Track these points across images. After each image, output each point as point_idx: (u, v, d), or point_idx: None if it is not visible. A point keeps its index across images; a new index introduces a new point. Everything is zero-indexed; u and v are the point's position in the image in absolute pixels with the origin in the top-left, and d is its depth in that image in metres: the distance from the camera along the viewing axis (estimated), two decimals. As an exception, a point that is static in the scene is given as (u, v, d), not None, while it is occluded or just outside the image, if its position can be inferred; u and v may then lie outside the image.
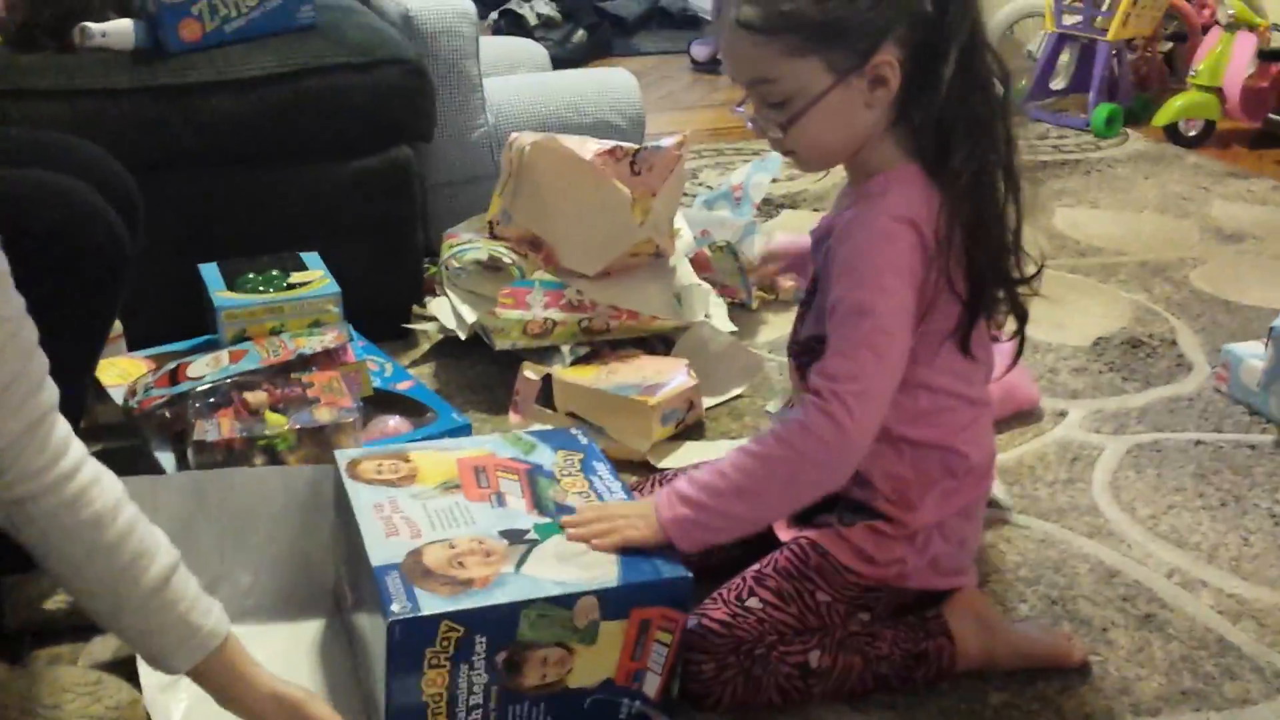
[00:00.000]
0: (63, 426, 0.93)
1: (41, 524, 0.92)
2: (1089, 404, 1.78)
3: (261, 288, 1.59)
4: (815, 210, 2.55)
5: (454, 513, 1.12)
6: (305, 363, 1.45)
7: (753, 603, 1.15)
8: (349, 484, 1.14)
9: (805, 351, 1.18)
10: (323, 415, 1.33)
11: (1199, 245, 2.44)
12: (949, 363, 1.17)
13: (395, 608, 0.99)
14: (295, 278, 1.61)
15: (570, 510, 1.14)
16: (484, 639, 1.01)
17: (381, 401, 1.52)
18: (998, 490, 1.53)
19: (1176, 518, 1.51)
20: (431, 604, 0.99)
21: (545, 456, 1.22)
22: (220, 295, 1.56)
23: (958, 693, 1.20)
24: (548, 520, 1.12)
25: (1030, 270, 1.18)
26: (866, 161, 1.14)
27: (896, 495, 1.18)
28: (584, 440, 1.27)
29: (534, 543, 1.08)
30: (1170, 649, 1.27)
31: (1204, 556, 1.43)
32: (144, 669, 1.13)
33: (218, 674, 1.00)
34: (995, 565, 1.40)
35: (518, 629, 1.02)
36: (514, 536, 1.09)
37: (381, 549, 1.05)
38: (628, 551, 1.08)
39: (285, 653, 1.18)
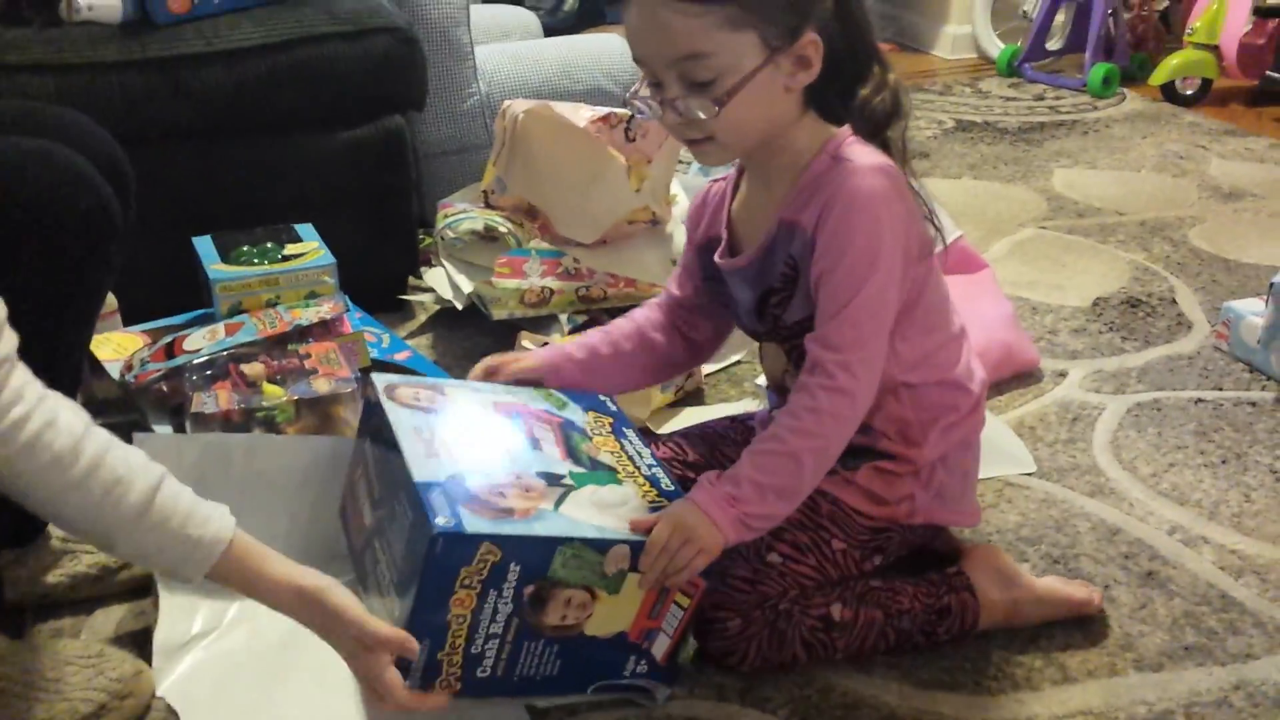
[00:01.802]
0: (17, 376, 0.92)
1: (13, 467, 0.91)
2: (1089, 364, 1.78)
3: (256, 260, 1.58)
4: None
5: (489, 449, 1.10)
6: (302, 334, 1.44)
7: (773, 558, 1.16)
8: (388, 405, 1.11)
9: (796, 334, 1.16)
10: (321, 386, 1.32)
11: (1197, 204, 2.43)
12: (932, 301, 1.18)
13: (440, 521, 0.97)
14: (290, 249, 1.60)
15: (604, 467, 1.13)
16: (518, 568, 1.00)
17: (379, 372, 1.51)
18: (1019, 452, 1.54)
19: (1178, 475, 1.51)
20: (475, 524, 0.98)
21: (576, 415, 1.21)
22: (215, 268, 1.55)
23: (960, 651, 1.20)
24: (583, 470, 1.12)
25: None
26: (793, 146, 1.12)
27: (900, 435, 1.19)
28: (613, 406, 1.26)
29: (570, 487, 1.08)
30: (1173, 605, 1.27)
31: (1205, 514, 1.43)
32: (160, 628, 1.16)
33: (233, 576, 1.00)
34: (997, 526, 1.40)
35: (551, 565, 1.02)
36: (551, 479, 1.08)
37: (423, 467, 1.03)
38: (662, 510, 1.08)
39: None
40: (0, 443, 0.90)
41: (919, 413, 1.18)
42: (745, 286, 1.20)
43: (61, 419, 0.93)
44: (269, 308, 1.51)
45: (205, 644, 1.19)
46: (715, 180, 1.27)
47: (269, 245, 1.61)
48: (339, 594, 1.01)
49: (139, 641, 1.22)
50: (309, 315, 1.46)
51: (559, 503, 1.05)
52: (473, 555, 0.98)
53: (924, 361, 1.18)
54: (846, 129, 1.12)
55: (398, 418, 1.10)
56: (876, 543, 1.20)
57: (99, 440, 0.95)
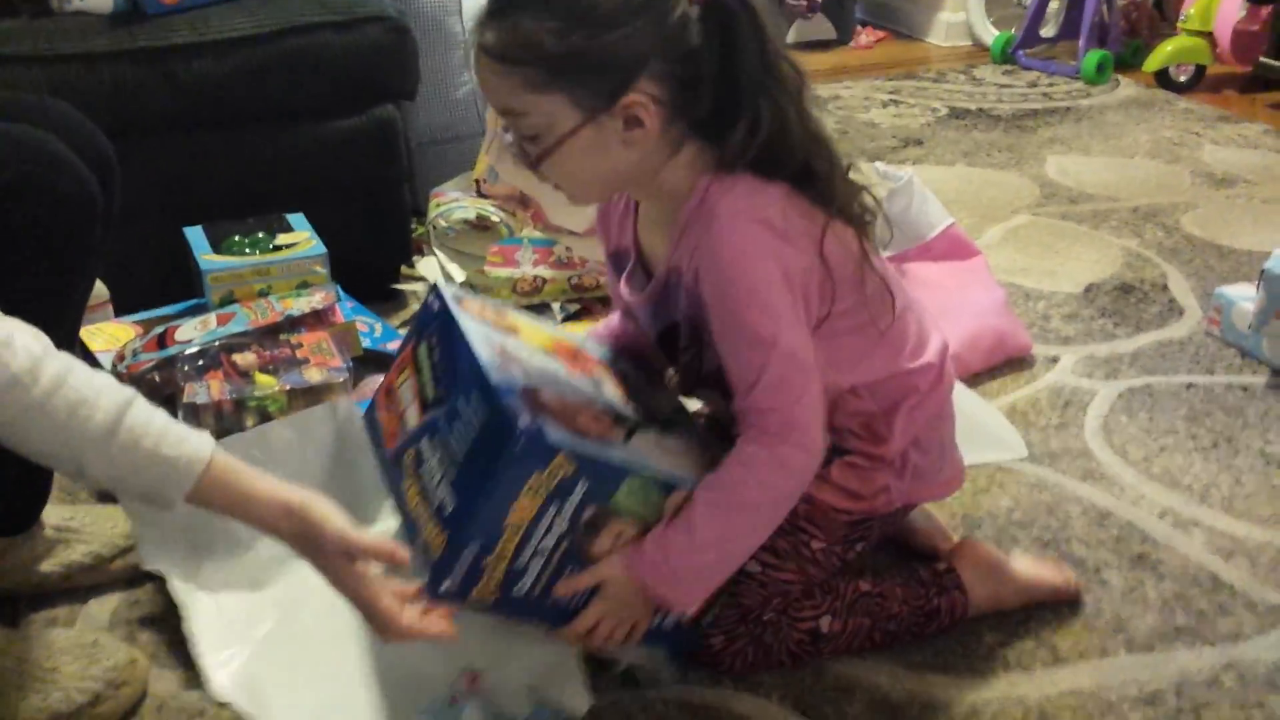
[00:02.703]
0: None
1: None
2: (1081, 350, 1.78)
3: (248, 250, 1.58)
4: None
5: (558, 376, 1.09)
6: (293, 324, 1.44)
7: (752, 566, 1.13)
8: (458, 311, 1.09)
9: (719, 381, 1.10)
10: (313, 375, 1.33)
11: (1190, 190, 2.43)
12: (860, 301, 1.09)
13: (524, 421, 0.94)
14: (281, 239, 1.60)
15: (663, 414, 1.13)
16: (584, 488, 0.98)
17: (372, 362, 1.51)
18: (1011, 438, 1.54)
19: (1169, 459, 1.51)
20: (555, 433, 0.96)
21: (629, 369, 1.21)
22: (206, 258, 1.55)
23: (953, 634, 1.20)
24: (642, 416, 1.11)
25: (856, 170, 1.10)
26: (669, 186, 1.05)
27: (865, 430, 1.15)
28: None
29: (639, 424, 1.07)
30: (1163, 588, 1.28)
31: (1196, 497, 1.44)
32: (196, 630, 1.14)
33: (216, 498, 0.96)
34: (988, 510, 1.40)
35: (616, 492, 1.01)
36: (617, 416, 1.07)
37: (497, 372, 1.00)
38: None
39: None
40: None
41: (879, 403, 1.13)
42: (649, 318, 1.15)
43: (18, 340, 0.90)
44: (261, 298, 1.51)
45: (251, 635, 1.18)
46: None
47: (260, 235, 1.61)
48: (322, 506, 0.98)
49: (133, 630, 1.22)
50: (301, 305, 1.46)
51: (627, 437, 1.05)
52: (547, 463, 0.96)
53: (864, 360, 1.12)
54: (714, 171, 1.03)
55: (468, 325, 1.07)
56: (857, 535, 1.17)
57: (60, 361, 0.91)
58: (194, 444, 0.95)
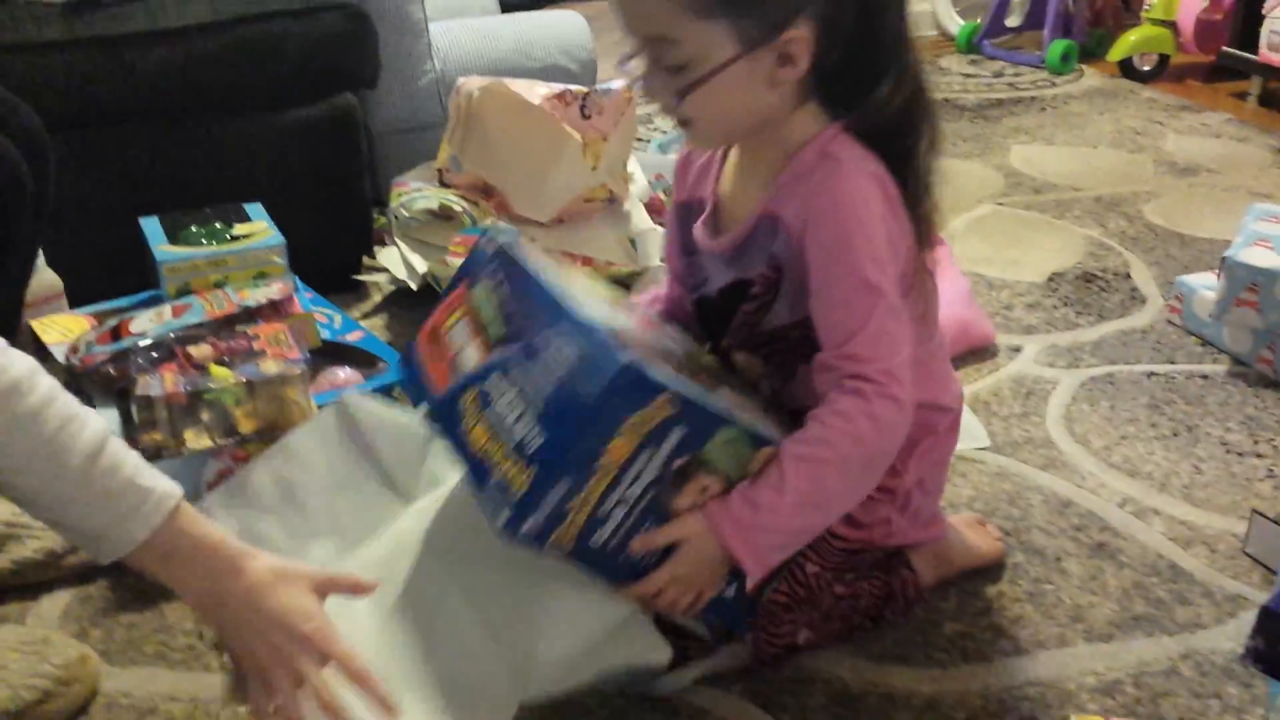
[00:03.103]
0: None
1: None
2: (1043, 339, 1.79)
3: (204, 241, 1.55)
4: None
5: (628, 324, 1.06)
6: (250, 315, 1.42)
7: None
8: (525, 252, 1.06)
9: (773, 341, 1.10)
10: (269, 367, 1.31)
11: (1153, 179, 2.44)
12: (912, 314, 1.09)
13: (626, 356, 0.90)
14: (238, 230, 1.58)
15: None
16: (680, 434, 0.95)
17: (331, 353, 1.49)
18: (975, 428, 1.54)
19: (1129, 448, 1.52)
20: (658, 371, 0.93)
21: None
22: (162, 249, 1.53)
23: (912, 624, 1.20)
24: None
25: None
26: (784, 137, 1.05)
27: None
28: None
29: (719, 377, 1.05)
30: (1122, 576, 1.28)
31: (1156, 485, 1.44)
32: None
33: (180, 540, 0.91)
34: (950, 499, 1.40)
35: (709, 442, 0.97)
36: (695, 369, 1.04)
37: (582, 312, 0.96)
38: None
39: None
40: None
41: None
42: (720, 269, 1.14)
43: (14, 353, 0.89)
44: (217, 289, 1.49)
45: None
46: None
47: (217, 225, 1.59)
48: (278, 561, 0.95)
49: (85, 627, 1.20)
50: (257, 296, 1.44)
51: (712, 389, 1.01)
52: (648, 402, 0.92)
53: (914, 376, 1.09)
54: (839, 125, 1.05)
55: (539, 265, 1.04)
56: (850, 564, 1.15)
57: (50, 378, 0.90)
58: (167, 483, 0.93)
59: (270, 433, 1.26)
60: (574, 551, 0.97)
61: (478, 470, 0.99)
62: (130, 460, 0.92)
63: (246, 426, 1.28)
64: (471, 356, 1.05)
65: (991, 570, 1.29)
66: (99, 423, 0.91)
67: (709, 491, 1.00)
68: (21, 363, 0.88)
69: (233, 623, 0.93)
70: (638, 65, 1.02)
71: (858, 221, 1.01)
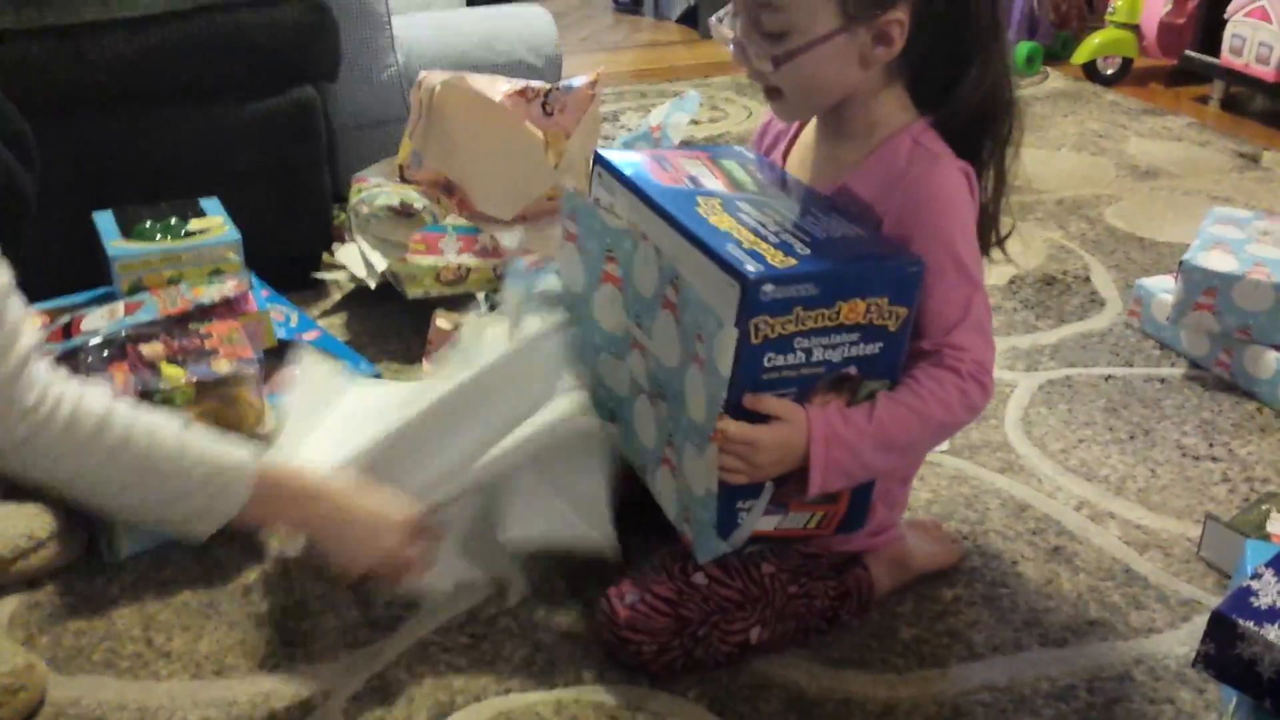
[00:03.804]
0: (42, 362, 0.95)
1: (54, 452, 0.93)
2: (1003, 342, 1.79)
3: (159, 235, 1.53)
4: (736, 151, 2.53)
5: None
6: (204, 313, 1.40)
7: (699, 578, 1.12)
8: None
9: None
10: (221, 367, 1.28)
11: (1115, 182, 2.46)
12: None
13: (916, 264, 0.98)
14: (194, 225, 1.55)
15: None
16: (875, 350, 1.00)
17: (286, 352, 1.47)
18: None
19: (1086, 451, 1.53)
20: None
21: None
22: (114, 245, 1.50)
23: (868, 628, 1.20)
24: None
25: (1004, 231, 1.15)
26: (870, 115, 1.08)
27: None
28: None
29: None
30: (1078, 580, 1.29)
31: (1112, 489, 1.45)
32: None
33: (261, 498, 1.01)
34: (908, 502, 1.40)
35: (875, 381, 1.02)
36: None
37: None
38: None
39: None
40: (50, 420, 0.92)
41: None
42: None
43: (87, 389, 0.97)
44: (171, 285, 1.46)
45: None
46: None
47: (173, 220, 1.56)
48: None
49: (33, 634, 1.18)
50: (211, 293, 1.42)
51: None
52: (897, 301, 0.99)
53: None
54: (928, 119, 1.08)
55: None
56: (806, 568, 1.16)
57: (124, 403, 0.98)
58: (241, 452, 1.02)
59: (221, 432, 1.24)
60: (760, 346, 0.96)
61: (713, 232, 1.00)
62: (206, 445, 1.00)
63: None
64: (716, 185, 1.10)
65: (948, 574, 1.29)
66: (166, 419, 0.99)
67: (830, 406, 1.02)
68: (98, 399, 0.96)
69: (327, 538, 1.07)
70: (735, 27, 1.05)
71: (956, 216, 1.05)
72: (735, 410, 0.98)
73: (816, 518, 1.09)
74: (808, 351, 0.98)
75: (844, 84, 1.05)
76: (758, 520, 1.05)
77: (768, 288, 0.93)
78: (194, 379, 1.27)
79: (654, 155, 1.16)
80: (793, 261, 0.95)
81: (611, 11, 3.98)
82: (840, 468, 1.02)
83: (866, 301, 0.97)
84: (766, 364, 0.97)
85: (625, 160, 1.15)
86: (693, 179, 1.11)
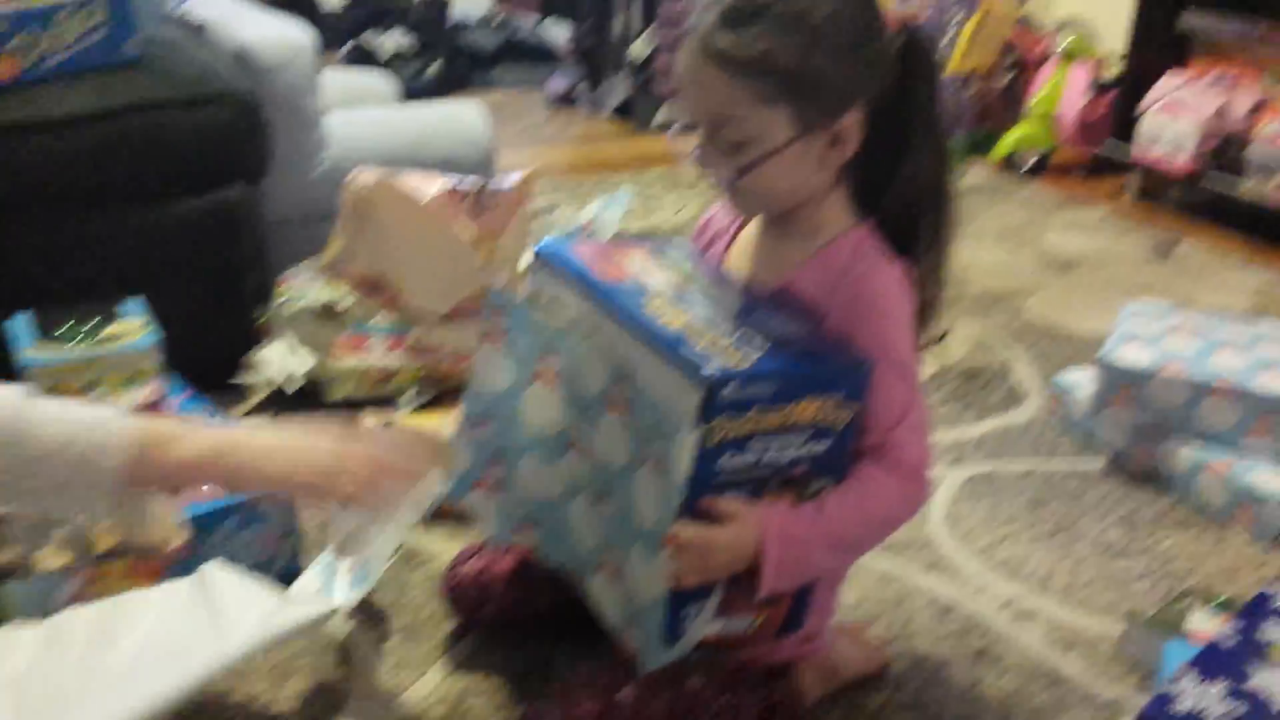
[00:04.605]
0: None
1: None
2: (929, 436, 1.81)
3: (78, 339, 1.50)
4: (668, 244, 2.55)
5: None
6: (121, 420, 1.37)
7: (624, 694, 1.10)
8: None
9: None
10: (135, 478, 1.26)
11: (1034, 275, 2.52)
12: None
13: (865, 367, 1.00)
14: (113, 328, 1.53)
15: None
16: (824, 448, 1.01)
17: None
18: None
19: (1010, 548, 1.54)
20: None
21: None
22: (28, 353, 1.47)
23: (795, 739, 1.19)
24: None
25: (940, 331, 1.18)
26: (816, 216, 1.10)
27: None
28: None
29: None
30: (1003, 684, 1.29)
31: (1036, 587, 1.46)
32: None
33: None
34: (836, 607, 1.40)
35: (823, 478, 1.03)
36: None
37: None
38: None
39: None
40: None
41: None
42: None
43: None
44: (87, 392, 1.44)
45: None
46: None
47: (92, 323, 1.54)
48: None
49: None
50: (128, 400, 1.40)
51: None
52: (849, 403, 1.01)
53: None
54: (870, 223, 1.10)
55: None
56: (735, 679, 1.15)
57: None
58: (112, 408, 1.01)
59: (130, 549, 1.21)
60: (717, 448, 0.96)
61: (666, 331, 0.99)
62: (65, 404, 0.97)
63: (104, 544, 1.22)
64: (659, 278, 1.10)
65: (876, 679, 1.29)
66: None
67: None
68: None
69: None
70: (696, 137, 1.07)
71: (896, 318, 1.07)
72: (690, 512, 0.98)
73: (759, 621, 1.08)
74: (762, 451, 0.98)
75: (801, 186, 1.08)
76: (706, 625, 1.04)
77: (728, 389, 0.93)
78: (107, 491, 1.24)
79: (597, 249, 1.16)
80: (750, 362, 0.96)
81: (546, 105, 4.04)
82: (791, 566, 1.02)
83: (819, 401, 0.98)
84: (722, 466, 0.97)
85: (568, 254, 1.14)
86: (638, 274, 1.11)
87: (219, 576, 1.18)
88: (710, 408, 0.93)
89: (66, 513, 0.98)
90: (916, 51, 1.06)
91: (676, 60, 1.05)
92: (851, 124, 1.04)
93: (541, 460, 1.17)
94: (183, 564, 1.28)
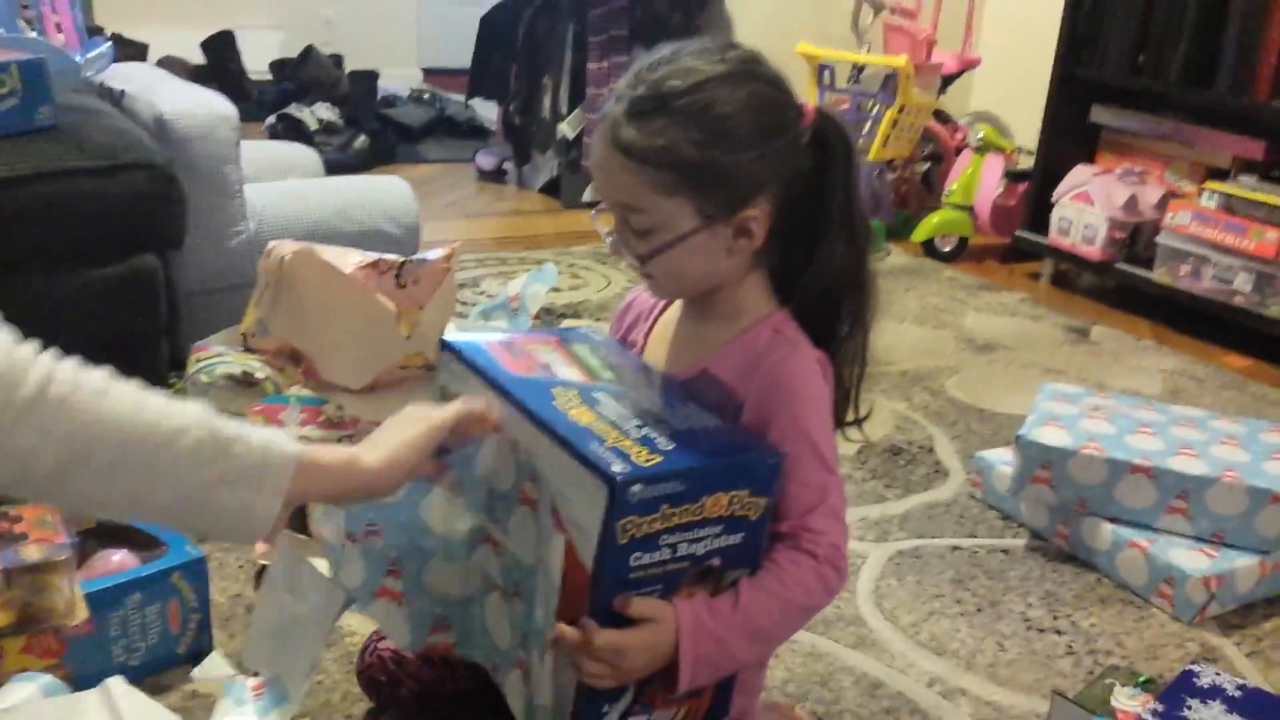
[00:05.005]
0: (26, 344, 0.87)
1: (59, 429, 0.84)
2: (854, 512, 1.81)
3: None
4: (597, 319, 2.55)
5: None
6: (18, 492, 1.31)
7: None
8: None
9: None
10: (31, 553, 1.19)
11: (955, 355, 2.56)
12: None
13: (774, 458, 0.99)
14: (15, 397, 1.47)
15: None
16: (739, 540, 0.99)
17: (108, 533, 1.38)
18: None
19: (936, 625, 1.53)
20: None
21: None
22: (-77, 418, 1.40)
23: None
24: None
25: (864, 411, 1.17)
26: (734, 300, 1.11)
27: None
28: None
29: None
30: (930, 763, 1.27)
31: (962, 664, 1.45)
32: None
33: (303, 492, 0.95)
34: (764, 684, 1.37)
35: (739, 569, 1.01)
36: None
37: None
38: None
39: None
40: (40, 394, 0.84)
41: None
42: None
43: (79, 363, 0.90)
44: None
45: None
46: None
47: (-7, 392, 1.47)
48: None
49: None
50: (28, 471, 1.33)
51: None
52: (761, 495, 0.99)
53: None
54: (788, 310, 1.10)
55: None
56: None
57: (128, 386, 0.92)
58: (278, 450, 0.95)
59: (28, 625, 1.15)
60: (627, 546, 0.94)
61: (574, 429, 0.98)
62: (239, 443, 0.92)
63: (3, 619, 1.16)
64: (571, 374, 1.09)
65: (803, 759, 1.26)
66: (189, 408, 0.92)
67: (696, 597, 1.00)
68: (95, 371, 0.90)
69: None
70: (605, 220, 1.08)
71: (813, 404, 1.06)
72: (603, 614, 0.96)
73: (681, 713, 1.05)
74: (674, 547, 0.96)
75: (712, 273, 1.08)
76: None
77: (635, 488, 0.91)
78: (2, 566, 1.18)
79: (504, 341, 1.15)
80: (658, 459, 0.94)
81: (475, 180, 4.05)
82: (709, 662, 1.00)
83: (730, 495, 0.96)
84: (633, 563, 0.95)
85: (475, 348, 1.12)
86: (545, 366, 1.10)
87: (122, 693, 1.10)
88: (618, 507, 0.91)
89: (228, 512, 0.92)
90: (830, 139, 1.06)
91: (592, 141, 1.06)
92: (758, 214, 1.04)
93: (451, 560, 1.14)
94: (85, 638, 1.22)
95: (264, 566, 1.54)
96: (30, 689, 1.13)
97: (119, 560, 1.32)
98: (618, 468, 0.91)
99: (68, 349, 1.69)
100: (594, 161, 1.07)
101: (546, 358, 1.12)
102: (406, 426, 1.02)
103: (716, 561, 0.99)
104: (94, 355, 1.72)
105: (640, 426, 0.99)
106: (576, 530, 0.95)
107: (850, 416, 1.17)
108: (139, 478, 0.88)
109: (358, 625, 1.44)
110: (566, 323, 2.58)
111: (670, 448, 0.96)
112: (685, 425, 1.00)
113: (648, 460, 0.93)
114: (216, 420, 0.92)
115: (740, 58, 1.04)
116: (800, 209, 1.07)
